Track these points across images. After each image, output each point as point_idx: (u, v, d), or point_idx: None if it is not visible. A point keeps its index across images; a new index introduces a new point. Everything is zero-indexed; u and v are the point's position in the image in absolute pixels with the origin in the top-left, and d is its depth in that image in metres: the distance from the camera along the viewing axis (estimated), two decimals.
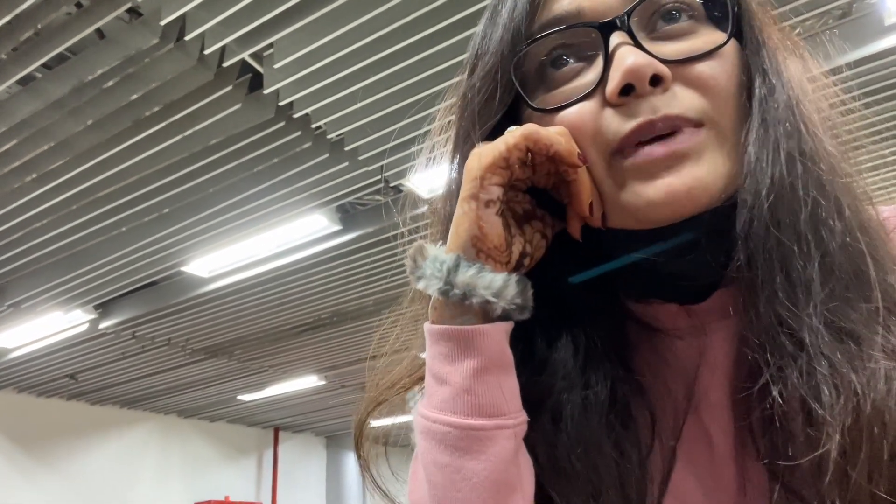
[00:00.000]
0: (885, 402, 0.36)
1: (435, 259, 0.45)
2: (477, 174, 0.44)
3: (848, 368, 0.38)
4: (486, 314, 0.45)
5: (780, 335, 0.40)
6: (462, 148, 0.49)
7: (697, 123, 0.43)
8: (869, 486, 0.36)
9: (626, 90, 0.42)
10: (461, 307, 0.44)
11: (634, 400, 0.47)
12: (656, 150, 0.42)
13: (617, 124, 0.43)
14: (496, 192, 0.44)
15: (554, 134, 0.44)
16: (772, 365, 0.40)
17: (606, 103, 0.44)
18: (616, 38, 0.44)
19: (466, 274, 0.44)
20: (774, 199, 0.41)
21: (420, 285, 0.46)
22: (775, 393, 0.39)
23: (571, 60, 0.46)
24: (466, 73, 0.52)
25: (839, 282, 0.40)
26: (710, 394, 0.47)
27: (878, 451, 0.36)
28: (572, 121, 0.45)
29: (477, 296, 0.43)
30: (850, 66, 2.54)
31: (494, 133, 0.47)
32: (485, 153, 0.44)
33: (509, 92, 0.47)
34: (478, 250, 0.45)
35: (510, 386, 0.44)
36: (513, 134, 0.44)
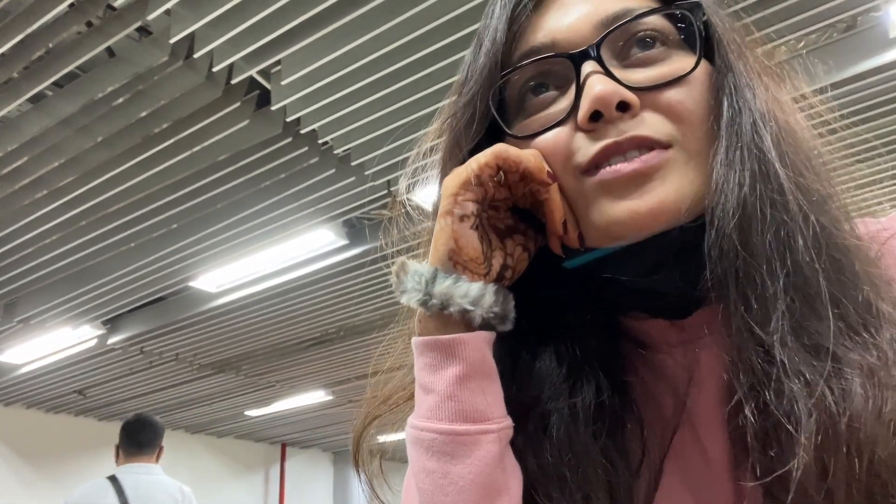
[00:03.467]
0: (860, 417, 0.37)
1: (415, 272, 0.47)
2: (451, 191, 0.47)
3: (821, 385, 0.38)
4: (467, 325, 0.47)
5: (752, 354, 0.41)
6: (446, 171, 0.51)
7: (666, 145, 0.44)
8: (845, 501, 0.36)
9: (595, 116, 0.44)
10: (442, 318, 0.46)
11: (622, 411, 0.48)
12: (622, 168, 0.44)
13: (586, 146, 0.45)
14: (470, 207, 0.47)
15: (524, 153, 0.46)
16: (744, 384, 0.41)
17: (578, 129, 0.46)
18: (587, 67, 0.45)
19: (443, 284, 0.46)
20: (740, 219, 0.43)
21: (403, 299, 0.48)
22: (747, 412, 0.41)
23: (548, 88, 0.48)
24: (454, 97, 0.54)
25: (808, 299, 0.41)
26: (700, 407, 0.48)
27: (853, 467, 0.37)
28: (546, 146, 0.47)
29: (454, 304, 0.46)
30: (854, 78, 2.55)
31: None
32: (458, 172, 0.47)
33: (488, 118, 0.49)
34: (455, 262, 0.47)
35: (493, 392, 0.46)
36: (484, 153, 0.47)
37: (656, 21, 0.47)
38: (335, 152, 2.90)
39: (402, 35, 2.26)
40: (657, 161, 0.44)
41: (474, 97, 0.50)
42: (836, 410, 0.37)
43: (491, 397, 0.46)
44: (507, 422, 0.46)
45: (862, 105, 2.72)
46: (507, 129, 0.49)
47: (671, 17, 0.47)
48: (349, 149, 2.87)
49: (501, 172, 0.47)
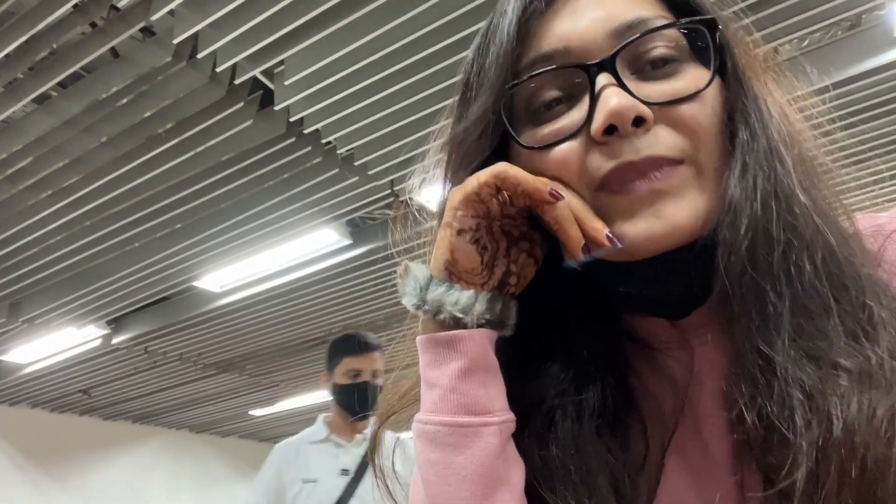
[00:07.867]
0: (854, 422, 0.38)
1: (414, 277, 0.49)
2: (452, 205, 0.48)
3: (820, 393, 0.39)
4: (463, 329, 0.48)
5: (753, 366, 0.42)
6: (453, 181, 0.51)
7: (678, 162, 0.44)
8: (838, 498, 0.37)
9: (610, 130, 0.44)
10: (437, 322, 0.48)
11: (625, 408, 0.49)
12: (638, 186, 0.44)
13: (599, 163, 0.45)
14: (469, 222, 0.48)
15: (524, 173, 0.46)
16: (745, 393, 0.42)
17: (592, 141, 0.45)
18: (602, 79, 0.45)
19: (436, 292, 0.48)
20: (751, 240, 0.43)
21: (404, 301, 0.50)
22: (749, 421, 0.42)
23: (559, 97, 0.47)
24: (457, 103, 0.53)
25: (811, 316, 0.42)
26: (701, 404, 0.48)
27: (847, 469, 0.37)
28: (558, 159, 0.46)
29: (445, 311, 0.47)
30: (858, 77, 2.54)
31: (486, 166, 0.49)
32: (461, 187, 0.48)
33: (498, 131, 0.49)
34: (450, 273, 0.48)
35: (495, 386, 0.47)
36: (484, 172, 0.47)
37: (671, 34, 0.46)
38: (338, 152, 2.91)
39: (404, 35, 2.26)
40: (671, 179, 0.44)
41: (486, 111, 0.48)
42: (834, 416, 0.38)
43: (493, 391, 0.47)
44: (509, 415, 0.47)
45: (866, 104, 2.71)
46: (519, 142, 0.48)
47: (686, 32, 0.47)
48: (352, 148, 2.88)
49: (504, 192, 0.47)
